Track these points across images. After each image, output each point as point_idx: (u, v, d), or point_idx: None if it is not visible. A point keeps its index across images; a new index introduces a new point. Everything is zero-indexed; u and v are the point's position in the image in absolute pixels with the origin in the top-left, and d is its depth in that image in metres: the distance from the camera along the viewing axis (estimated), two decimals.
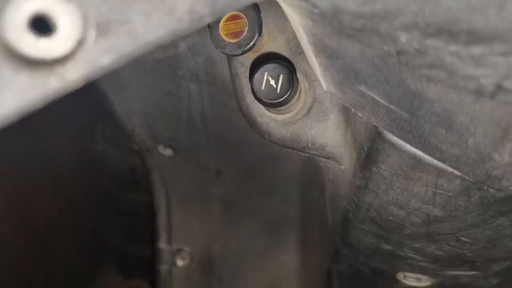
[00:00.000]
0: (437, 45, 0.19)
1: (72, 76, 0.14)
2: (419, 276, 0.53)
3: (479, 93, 0.20)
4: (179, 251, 0.89)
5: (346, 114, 0.38)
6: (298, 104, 0.41)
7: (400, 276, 0.54)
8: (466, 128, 0.22)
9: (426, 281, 0.54)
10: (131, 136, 0.69)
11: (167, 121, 0.61)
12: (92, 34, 0.14)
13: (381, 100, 0.25)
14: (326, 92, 0.30)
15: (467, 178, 0.27)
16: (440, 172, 0.29)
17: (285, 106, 0.40)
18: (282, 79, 0.35)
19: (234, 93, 0.44)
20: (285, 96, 0.35)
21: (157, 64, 0.50)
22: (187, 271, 0.91)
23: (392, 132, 0.28)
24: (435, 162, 0.28)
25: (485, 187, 0.28)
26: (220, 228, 0.88)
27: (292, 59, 0.41)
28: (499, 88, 0.19)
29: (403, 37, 0.19)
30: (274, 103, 0.36)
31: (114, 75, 0.53)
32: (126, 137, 0.72)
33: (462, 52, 0.18)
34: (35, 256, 1.01)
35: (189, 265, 0.90)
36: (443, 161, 0.27)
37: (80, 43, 0.14)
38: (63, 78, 0.14)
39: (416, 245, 0.42)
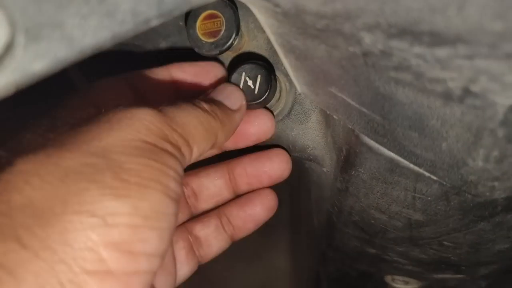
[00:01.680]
0: (401, 46, 0.18)
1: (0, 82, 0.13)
2: (406, 279, 0.52)
3: (447, 96, 0.19)
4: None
5: (326, 115, 0.37)
6: (279, 105, 0.40)
7: (388, 279, 0.53)
8: (439, 132, 0.21)
9: (414, 283, 0.53)
10: None
11: None
12: (21, 39, 0.13)
13: (353, 103, 0.25)
14: (300, 93, 0.29)
15: (444, 183, 0.26)
16: (418, 176, 0.28)
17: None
18: (260, 80, 0.35)
19: None
20: (263, 97, 0.35)
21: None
22: None
23: (367, 135, 0.27)
24: (412, 166, 0.27)
25: (463, 192, 0.27)
26: None
27: (272, 59, 0.40)
28: (466, 92, 0.18)
29: (367, 38, 0.18)
30: (252, 105, 0.35)
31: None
32: None
33: (427, 54, 0.17)
34: None
35: None
36: (419, 166, 0.26)
37: (8, 49, 0.13)
38: None
39: (400, 249, 0.41)
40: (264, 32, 0.41)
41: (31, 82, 0.14)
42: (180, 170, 0.26)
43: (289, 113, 0.40)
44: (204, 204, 0.40)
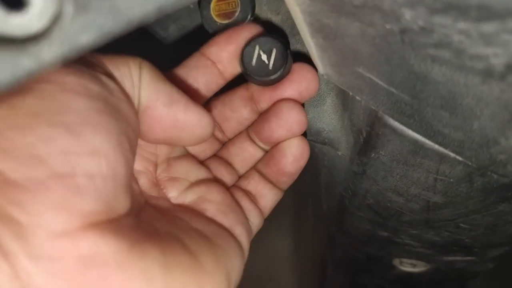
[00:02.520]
0: (444, 22, 0.17)
1: (47, 55, 0.12)
2: (414, 262, 0.52)
3: (487, 74, 0.18)
4: None
5: (343, 98, 0.37)
6: None
7: (396, 262, 0.54)
8: (472, 111, 0.21)
9: (421, 266, 0.53)
10: None
11: None
12: (69, 9, 0.13)
13: (381, 83, 0.24)
14: (322, 75, 0.29)
15: (470, 163, 0.26)
16: (442, 157, 0.28)
17: None
18: (276, 55, 0.33)
19: None
20: (278, 74, 0.32)
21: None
22: None
23: (392, 117, 0.27)
24: (437, 147, 0.27)
25: (489, 173, 0.27)
26: None
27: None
28: (509, 68, 0.17)
29: (407, 14, 0.18)
30: (265, 81, 0.33)
31: None
32: None
33: (471, 30, 0.17)
34: None
35: None
36: (446, 146, 0.26)
37: (56, 20, 0.12)
38: (37, 58, 0.12)
39: (414, 232, 0.41)
40: (277, 14, 0.40)
41: (78, 55, 0.13)
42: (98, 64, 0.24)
43: None
44: (242, 169, 0.39)
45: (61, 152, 0.20)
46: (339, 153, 0.40)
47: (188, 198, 0.33)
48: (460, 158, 0.27)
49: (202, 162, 0.38)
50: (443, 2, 0.17)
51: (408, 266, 0.55)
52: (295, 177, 0.38)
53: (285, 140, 0.36)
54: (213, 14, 0.37)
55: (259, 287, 0.88)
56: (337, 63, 0.26)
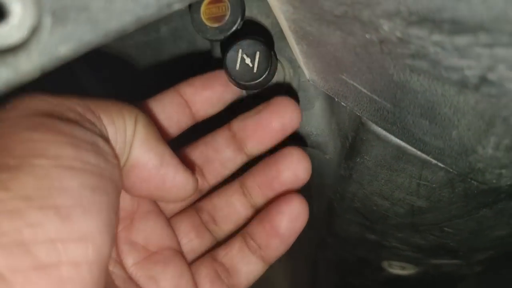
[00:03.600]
0: (420, 34, 0.18)
1: (25, 66, 0.13)
2: (403, 264, 0.53)
3: (463, 84, 0.19)
4: None
5: (331, 103, 0.37)
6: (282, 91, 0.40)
7: (385, 264, 0.54)
8: (450, 120, 0.22)
9: (410, 269, 0.54)
10: None
11: None
12: (47, 21, 0.13)
13: (364, 90, 0.25)
14: (308, 80, 0.29)
15: (451, 170, 0.27)
16: (424, 163, 0.28)
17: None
18: (259, 57, 0.32)
19: None
20: (263, 76, 0.32)
21: (138, 49, 0.48)
22: None
23: (375, 123, 0.27)
24: (419, 153, 0.28)
25: (469, 180, 0.28)
26: None
27: (276, 45, 0.40)
28: (483, 80, 0.18)
29: (385, 26, 0.18)
30: (251, 85, 0.33)
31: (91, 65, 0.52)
32: None
33: (446, 42, 0.17)
34: None
35: None
36: (427, 153, 0.26)
37: (34, 31, 0.13)
38: (15, 68, 0.12)
39: (400, 235, 0.41)
40: (268, 17, 0.40)
41: (56, 65, 0.14)
42: (85, 134, 0.23)
43: None
44: (225, 226, 0.36)
45: (48, 240, 0.20)
46: (327, 156, 0.40)
47: (140, 274, 0.31)
48: (441, 165, 0.27)
49: (173, 217, 0.36)
50: (419, 15, 0.17)
51: (397, 268, 0.55)
52: (287, 245, 0.35)
53: (285, 193, 0.35)
54: (203, 17, 0.37)
55: None
56: (321, 70, 0.26)
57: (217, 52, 0.42)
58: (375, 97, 0.24)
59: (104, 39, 0.14)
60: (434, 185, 0.30)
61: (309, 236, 0.64)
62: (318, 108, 0.39)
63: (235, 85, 0.34)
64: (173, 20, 0.46)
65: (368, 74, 0.23)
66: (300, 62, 0.29)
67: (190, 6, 0.39)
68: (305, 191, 0.58)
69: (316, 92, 0.39)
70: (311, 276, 0.70)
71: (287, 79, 0.40)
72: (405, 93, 0.22)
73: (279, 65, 0.40)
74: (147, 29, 0.46)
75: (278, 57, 0.40)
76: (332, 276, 0.66)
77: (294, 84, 0.40)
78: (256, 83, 0.33)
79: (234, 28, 0.37)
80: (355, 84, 0.25)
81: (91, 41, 0.14)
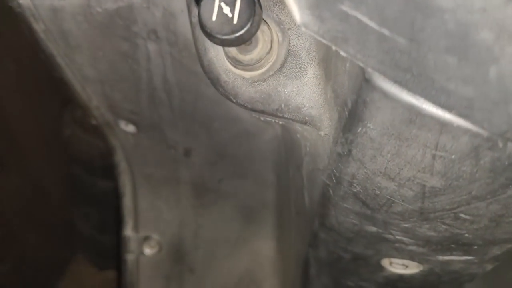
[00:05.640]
0: None
1: None
2: (406, 262, 0.47)
3: None
4: (146, 238, 0.82)
5: (326, 66, 0.32)
6: (270, 58, 0.34)
7: (385, 262, 0.49)
8: (489, 51, 0.16)
9: (414, 268, 0.48)
10: (89, 109, 0.62)
11: (126, 90, 0.54)
12: None
13: (371, 23, 0.19)
14: (300, 26, 0.24)
15: (480, 130, 0.21)
16: (443, 126, 0.23)
17: (253, 57, 0.33)
18: (240, 5, 0.27)
19: (194, 47, 0.37)
20: (246, 28, 0.27)
21: (107, 18, 0.43)
22: (155, 260, 0.84)
23: (384, 73, 0.22)
24: (438, 113, 0.22)
25: (501, 145, 0.22)
26: (191, 213, 0.82)
27: (262, 4, 0.34)
28: None
29: None
30: (230, 39, 0.27)
31: (60, 34, 0.46)
32: (85, 111, 0.65)
33: None
34: (1, 246, 0.94)
35: (157, 253, 0.84)
36: (450, 108, 0.21)
37: None
38: None
39: (406, 225, 0.36)
40: None
41: None
42: None
43: (281, 67, 0.35)
44: None
45: None
46: (322, 133, 0.35)
47: None
48: (466, 125, 0.22)
49: None
50: None
51: (398, 267, 0.49)
52: None
53: None
54: None
55: None
56: (317, 3, 0.21)
57: (195, 14, 0.36)
58: (385, 31, 0.19)
59: None
60: (453, 156, 0.25)
61: (301, 232, 0.58)
62: (310, 76, 0.34)
63: (211, 40, 0.28)
64: None
65: None
66: (290, 2, 0.23)
67: None
68: (298, 182, 0.52)
69: (309, 57, 0.34)
70: (302, 276, 0.64)
71: (275, 44, 0.35)
72: (428, 17, 0.17)
73: (266, 28, 0.34)
74: None
75: (265, 18, 0.35)
76: (325, 276, 0.60)
77: (284, 49, 0.34)
78: (237, 36, 0.27)
79: None
80: (359, 15, 0.19)
81: None
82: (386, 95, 0.23)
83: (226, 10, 0.27)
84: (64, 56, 0.50)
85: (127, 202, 0.81)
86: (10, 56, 0.83)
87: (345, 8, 0.19)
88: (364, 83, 0.24)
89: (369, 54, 0.21)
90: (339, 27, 0.21)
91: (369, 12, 0.19)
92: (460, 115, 0.21)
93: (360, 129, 0.27)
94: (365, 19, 0.19)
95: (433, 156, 0.25)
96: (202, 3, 0.27)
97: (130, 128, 0.65)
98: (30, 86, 0.95)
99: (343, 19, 0.20)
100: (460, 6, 0.15)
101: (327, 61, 0.31)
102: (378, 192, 0.32)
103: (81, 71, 0.52)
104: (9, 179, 0.95)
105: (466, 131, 0.22)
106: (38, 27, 0.45)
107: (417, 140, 0.25)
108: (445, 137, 0.23)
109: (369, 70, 0.23)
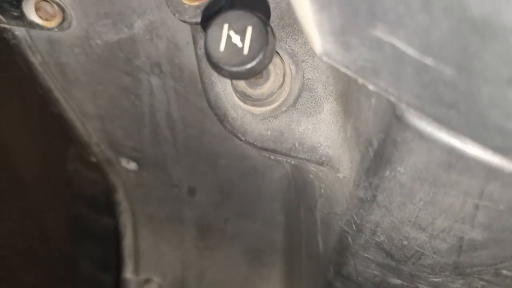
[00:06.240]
0: None
1: None
2: None
3: None
4: (147, 281, 0.78)
5: (346, 102, 0.28)
6: (282, 92, 0.31)
7: None
8: None
9: None
10: (88, 146, 0.59)
11: (127, 126, 0.51)
12: None
13: (410, 50, 0.16)
14: (320, 56, 0.21)
15: None
16: (491, 172, 0.19)
17: (263, 91, 0.30)
18: (252, 34, 0.24)
19: (200, 81, 0.34)
20: (257, 60, 0.24)
21: (108, 51, 0.40)
22: None
23: (421, 109, 0.18)
24: (486, 156, 0.19)
25: None
26: (195, 255, 0.78)
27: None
28: None
29: None
30: (240, 72, 0.24)
31: (58, 67, 0.43)
32: (84, 148, 0.62)
33: None
34: (1, 286, 0.91)
35: None
36: (505, 152, 0.17)
37: None
38: None
39: (436, 280, 0.32)
40: None
41: None
42: None
43: (295, 102, 0.32)
44: None
45: None
46: (340, 175, 0.31)
47: None
48: None
49: None
50: None
51: None
52: None
53: None
54: None
55: None
56: (342, 28, 0.18)
57: (201, 45, 0.33)
58: (427, 60, 0.16)
59: None
60: (501, 207, 0.21)
61: (313, 279, 0.54)
62: (327, 112, 0.30)
63: (219, 73, 0.25)
64: (149, 13, 0.38)
65: (422, 14, 0.14)
66: (310, 29, 0.20)
67: None
68: (310, 224, 0.48)
69: (326, 91, 0.31)
70: None
71: (287, 77, 0.32)
72: (486, 40, 0.13)
73: (278, 60, 0.31)
74: (118, 22, 0.38)
75: (277, 50, 0.32)
76: None
77: (297, 83, 0.31)
78: (248, 68, 0.24)
79: (219, 6, 0.29)
80: (395, 42, 0.16)
81: None
82: (421, 134, 0.20)
83: (236, 39, 0.24)
84: (62, 90, 0.47)
85: (127, 243, 0.77)
86: (14, 91, 0.81)
87: (378, 33, 0.16)
88: (395, 120, 0.21)
89: (405, 87, 0.18)
90: (368, 56, 0.18)
91: (409, 37, 0.15)
92: None
93: (388, 172, 0.24)
94: (402, 46, 0.16)
95: (476, 206, 0.22)
96: (209, 32, 0.24)
97: (132, 166, 0.62)
98: (35, 121, 0.94)
99: (374, 46, 0.17)
100: None
101: (347, 96, 0.28)
102: (406, 242, 0.29)
103: (80, 106, 0.49)
104: (10, 215, 0.92)
105: None
106: (35, 59, 0.42)
107: (456, 187, 0.21)
108: (492, 184, 0.20)
109: (402, 106, 0.20)
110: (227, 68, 0.24)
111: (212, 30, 0.24)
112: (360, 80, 0.20)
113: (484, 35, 0.13)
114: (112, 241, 0.93)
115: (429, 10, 0.14)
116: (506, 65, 0.14)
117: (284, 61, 0.32)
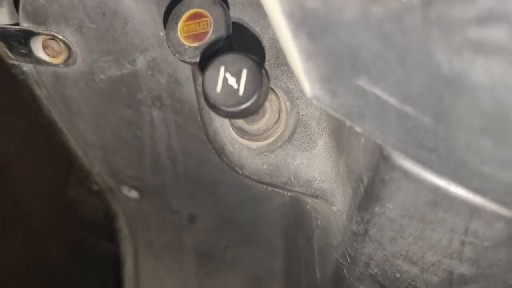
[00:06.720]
0: None
1: None
2: None
3: None
4: None
5: (338, 138, 0.29)
6: (278, 128, 0.33)
7: None
8: None
9: None
10: (90, 175, 0.60)
11: (128, 156, 0.52)
12: None
13: (391, 100, 0.17)
14: (311, 98, 0.22)
15: None
16: (474, 211, 0.20)
17: (260, 127, 0.31)
18: (246, 76, 0.25)
19: (199, 115, 0.35)
20: (251, 101, 0.25)
21: (111, 85, 0.41)
22: None
23: (405, 152, 0.19)
24: (468, 196, 0.20)
25: None
26: (195, 282, 0.77)
27: (270, 73, 0.33)
28: None
29: None
30: (235, 112, 0.25)
31: (62, 99, 0.45)
32: (86, 176, 0.63)
33: None
34: None
35: None
36: (484, 193, 0.18)
37: None
38: None
39: None
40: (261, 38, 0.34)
41: None
42: None
43: (290, 138, 0.33)
44: None
45: None
46: (334, 208, 0.32)
47: None
48: (502, 211, 0.19)
49: None
50: None
51: None
52: None
53: None
54: (180, 36, 0.31)
55: None
56: (328, 76, 0.19)
57: (200, 82, 0.35)
58: (407, 108, 0.17)
59: None
60: (486, 244, 0.22)
61: None
62: (321, 148, 0.31)
63: (216, 113, 0.26)
64: (151, 50, 0.39)
65: (399, 69, 0.15)
66: (299, 74, 0.22)
67: (166, 23, 0.33)
68: (308, 253, 0.49)
69: (319, 127, 0.32)
70: None
71: (283, 113, 0.33)
72: (459, 94, 0.15)
73: (273, 97, 0.33)
74: (120, 59, 0.39)
75: (272, 87, 0.33)
76: None
77: (292, 119, 0.32)
78: (242, 109, 0.25)
79: (217, 47, 0.30)
80: (377, 91, 0.17)
81: None
82: (407, 174, 0.21)
83: (232, 81, 0.25)
84: (65, 122, 0.49)
85: (127, 270, 0.77)
86: (20, 121, 0.83)
87: (361, 82, 0.18)
88: (382, 160, 0.22)
89: (389, 132, 0.19)
90: (354, 103, 0.19)
91: (389, 87, 0.17)
92: (496, 200, 0.18)
93: (377, 208, 0.25)
94: (384, 95, 0.17)
95: (462, 242, 0.23)
96: (206, 74, 0.26)
97: (133, 194, 0.63)
98: (38, 149, 0.95)
99: (359, 94, 0.18)
100: (498, 84, 0.13)
101: (339, 133, 0.29)
102: (399, 275, 0.29)
103: (83, 137, 0.50)
104: (11, 239, 0.92)
105: (501, 217, 0.20)
106: (41, 93, 0.44)
107: (443, 224, 0.22)
108: (476, 222, 0.21)
109: (388, 148, 0.21)
110: (224, 108, 0.25)
111: (209, 72, 0.26)
112: (348, 123, 0.22)
113: (456, 90, 0.14)
114: (112, 267, 0.93)
115: (405, 66, 0.15)
116: (477, 117, 0.15)
117: (280, 97, 0.33)
